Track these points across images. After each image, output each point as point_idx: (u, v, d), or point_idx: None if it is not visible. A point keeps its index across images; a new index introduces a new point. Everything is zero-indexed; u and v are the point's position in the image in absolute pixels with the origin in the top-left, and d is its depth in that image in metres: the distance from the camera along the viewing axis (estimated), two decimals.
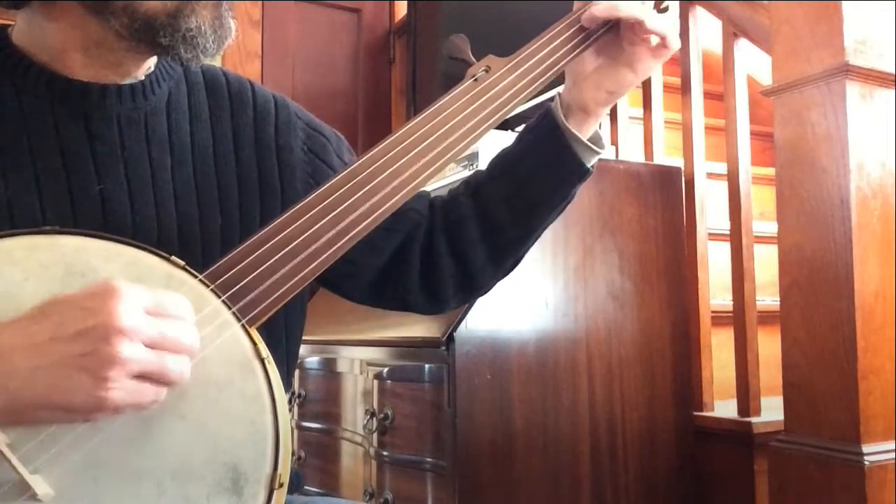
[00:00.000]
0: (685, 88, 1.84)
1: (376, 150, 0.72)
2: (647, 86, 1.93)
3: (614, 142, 1.93)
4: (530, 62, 0.78)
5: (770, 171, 1.86)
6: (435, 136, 0.73)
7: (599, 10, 0.77)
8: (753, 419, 1.61)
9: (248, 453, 0.58)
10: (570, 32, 0.79)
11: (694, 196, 1.78)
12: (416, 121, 0.73)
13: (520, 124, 1.62)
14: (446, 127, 0.74)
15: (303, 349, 1.89)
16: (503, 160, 0.86)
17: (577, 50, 0.79)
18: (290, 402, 1.89)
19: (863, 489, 1.25)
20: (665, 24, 0.78)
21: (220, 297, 0.61)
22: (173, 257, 0.61)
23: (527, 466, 1.47)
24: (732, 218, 1.70)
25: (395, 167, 0.71)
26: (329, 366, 1.84)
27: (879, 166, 1.34)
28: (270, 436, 0.59)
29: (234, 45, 2.45)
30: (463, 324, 1.42)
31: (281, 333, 0.80)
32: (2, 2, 0.71)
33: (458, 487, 1.39)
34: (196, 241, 0.74)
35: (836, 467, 1.29)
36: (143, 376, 0.54)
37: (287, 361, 0.81)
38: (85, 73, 0.71)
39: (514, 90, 0.77)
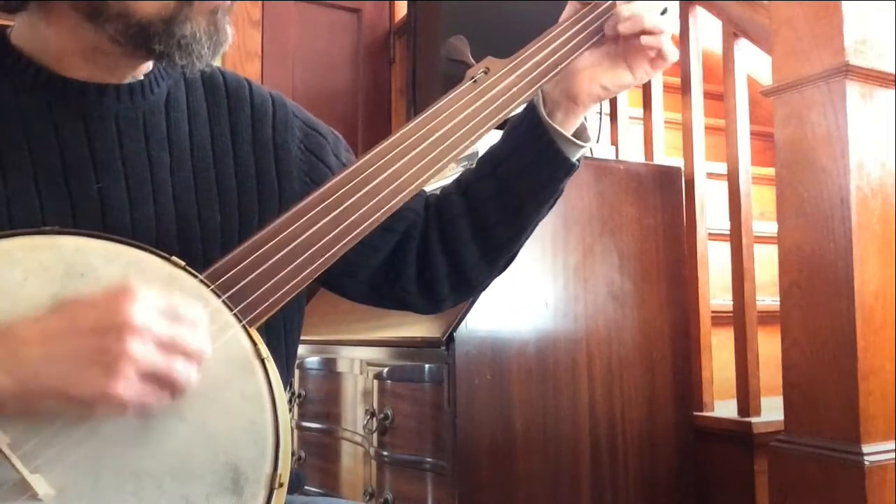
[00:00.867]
0: (685, 88, 1.84)
1: (376, 151, 0.72)
2: (647, 86, 1.93)
3: (614, 142, 1.93)
4: (529, 64, 0.78)
5: (770, 171, 1.86)
6: (434, 137, 0.73)
7: (625, 27, 0.78)
8: (753, 419, 1.61)
9: (248, 453, 0.58)
10: (568, 34, 0.79)
11: (694, 196, 1.78)
12: (415, 122, 0.74)
13: None
14: (446, 128, 0.74)
15: (303, 349, 1.90)
16: (490, 158, 0.86)
17: (576, 52, 0.79)
18: (289, 402, 1.90)
19: (863, 489, 1.25)
20: (666, 39, 0.78)
21: (220, 297, 0.61)
22: (174, 257, 0.61)
23: (527, 466, 1.47)
24: (732, 218, 1.70)
25: (394, 168, 0.71)
26: (329, 366, 1.84)
27: (879, 166, 1.34)
28: (270, 436, 0.59)
29: (234, 45, 2.45)
30: (463, 324, 1.42)
31: (280, 334, 0.80)
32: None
33: (458, 487, 1.39)
34: (195, 240, 0.74)
35: (836, 467, 1.29)
36: (150, 376, 0.54)
37: (286, 362, 0.82)
38: (83, 73, 0.71)
39: (514, 92, 0.77)
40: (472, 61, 0.80)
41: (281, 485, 0.58)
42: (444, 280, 0.88)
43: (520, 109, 0.80)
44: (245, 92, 0.83)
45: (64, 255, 0.58)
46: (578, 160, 0.83)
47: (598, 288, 1.61)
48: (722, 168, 1.77)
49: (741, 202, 1.68)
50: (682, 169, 1.80)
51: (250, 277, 0.63)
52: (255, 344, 0.61)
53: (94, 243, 0.60)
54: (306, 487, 1.79)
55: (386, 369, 1.58)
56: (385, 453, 1.54)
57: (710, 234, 1.81)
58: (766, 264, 1.87)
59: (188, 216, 0.75)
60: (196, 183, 0.76)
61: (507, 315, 1.49)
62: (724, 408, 1.75)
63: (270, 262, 0.65)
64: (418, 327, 1.49)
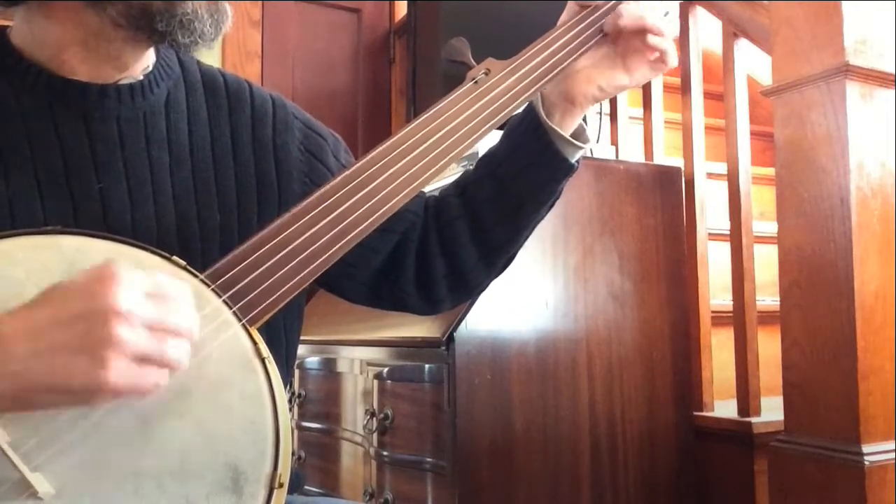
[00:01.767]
0: (685, 88, 1.85)
1: (376, 152, 0.72)
2: (647, 86, 1.93)
3: (614, 142, 1.93)
4: (530, 65, 0.78)
5: (770, 171, 1.86)
6: (434, 138, 0.73)
7: (627, 22, 0.78)
8: (753, 419, 1.61)
9: (248, 453, 0.58)
10: (569, 35, 0.79)
11: (694, 196, 1.78)
12: (415, 123, 0.74)
13: None
14: (446, 129, 0.74)
15: (303, 349, 1.90)
16: (489, 160, 0.86)
17: (577, 53, 0.79)
18: (289, 402, 1.90)
19: (863, 489, 1.25)
20: (668, 42, 0.78)
21: (220, 296, 0.61)
22: (174, 257, 0.61)
23: (527, 466, 1.47)
24: (732, 218, 1.70)
25: (394, 169, 0.71)
26: (329, 366, 1.84)
27: (879, 166, 1.34)
28: (270, 435, 0.59)
29: (234, 45, 2.45)
30: (463, 324, 1.42)
31: (280, 334, 0.80)
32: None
33: (458, 487, 1.39)
34: (195, 240, 0.74)
35: (836, 467, 1.29)
36: (142, 359, 0.53)
37: (286, 362, 0.82)
38: (83, 69, 0.71)
39: (514, 93, 0.77)
40: (473, 63, 0.80)
41: (281, 485, 0.58)
42: (443, 281, 0.88)
43: (520, 110, 0.81)
44: (245, 93, 0.83)
45: (65, 254, 0.58)
46: (577, 161, 0.83)
47: (598, 288, 1.61)
48: (722, 168, 1.78)
49: (741, 202, 1.68)
50: (682, 169, 1.80)
51: (250, 277, 0.63)
52: (255, 343, 0.61)
53: (96, 243, 0.60)
54: (306, 487, 1.79)
55: (386, 369, 1.58)
56: (385, 453, 1.54)
57: (710, 234, 1.81)
58: (766, 264, 1.87)
59: (188, 216, 0.75)
60: (196, 183, 0.76)
61: (507, 315, 1.49)
62: (724, 408, 1.75)
63: (271, 261, 0.65)
64: (418, 327, 1.49)
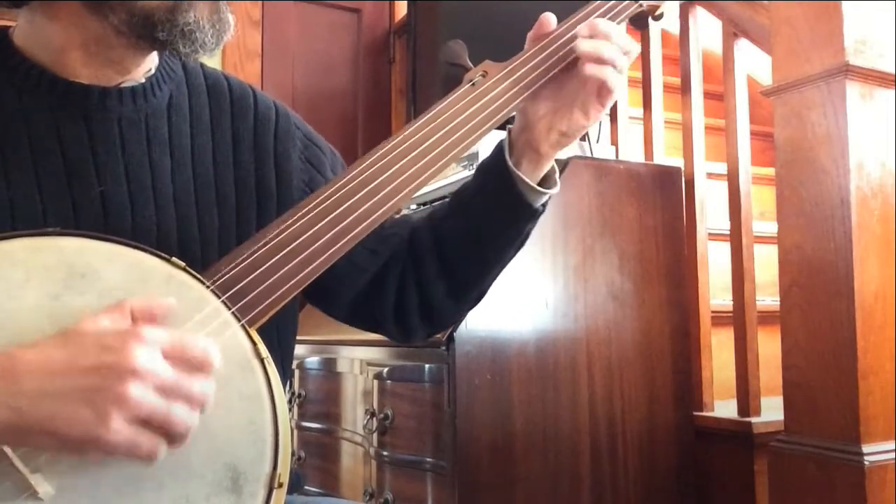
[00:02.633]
0: (685, 88, 1.85)
1: (375, 153, 0.72)
2: (647, 86, 1.93)
3: (614, 142, 1.93)
4: (527, 67, 0.78)
5: (770, 171, 1.86)
6: (432, 139, 0.74)
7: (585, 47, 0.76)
8: (753, 419, 1.61)
9: (248, 453, 0.58)
10: (565, 39, 0.79)
11: (694, 196, 1.78)
12: (414, 125, 0.74)
13: None
14: (443, 131, 0.74)
15: (303, 349, 1.90)
16: (458, 197, 0.86)
17: (574, 54, 0.79)
18: (289, 402, 1.90)
19: (863, 489, 1.25)
20: (604, 69, 0.75)
21: (219, 297, 0.61)
22: (174, 258, 0.61)
23: (527, 466, 1.47)
24: (732, 218, 1.70)
25: (393, 170, 0.71)
26: (329, 366, 1.85)
27: (879, 166, 1.34)
28: (270, 435, 0.59)
29: (234, 45, 2.45)
30: (463, 324, 1.42)
31: (273, 336, 0.80)
32: (2, 1, 0.71)
33: (458, 487, 1.39)
34: (195, 243, 0.74)
35: (836, 467, 1.29)
36: (145, 422, 0.53)
37: (281, 364, 0.82)
38: (85, 72, 0.72)
39: (510, 94, 0.77)
40: (470, 64, 0.80)
41: (280, 485, 0.58)
42: (415, 312, 0.88)
43: (515, 112, 0.80)
44: (249, 99, 0.84)
45: (66, 256, 0.58)
46: (543, 205, 0.82)
47: (598, 288, 1.61)
48: (722, 168, 1.77)
49: (741, 202, 1.68)
50: (682, 169, 1.80)
51: (250, 277, 0.64)
52: (254, 344, 0.61)
53: (96, 244, 0.60)
54: (306, 487, 1.79)
55: (386, 369, 1.58)
56: (385, 453, 1.54)
57: (710, 234, 1.81)
58: (766, 264, 1.87)
59: (188, 219, 0.75)
60: (196, 187, 0.76)
61: (507, 315, 1.49)
62: (724, 408, 1.75)
63: (270, 262, 0.65)
64: None
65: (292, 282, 0.65)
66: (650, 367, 1.65)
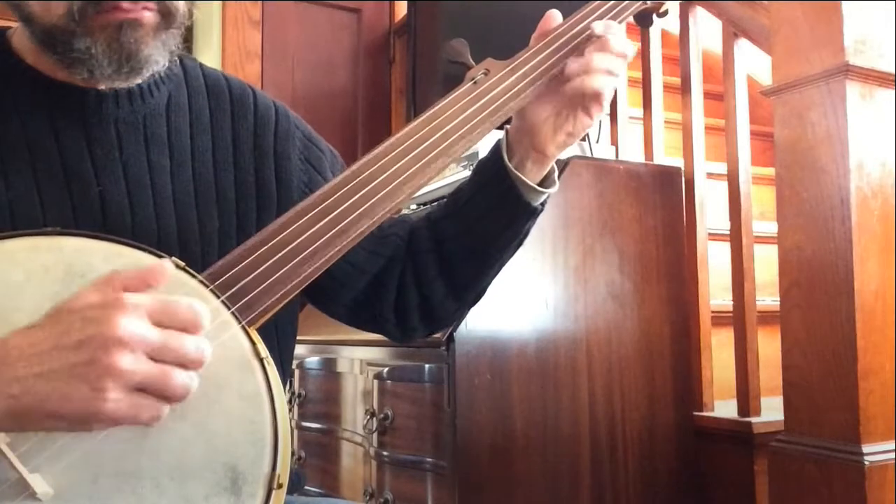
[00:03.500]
0: (685, 88, 1.84)
1: (376, 152, 0.72)
2: (647, 86, 1.93)
3: (614, 142, 1.93)
4: (529, 65, 0.78)
5: (770, 171, 1.86)
6: (434, 138, 0.73)
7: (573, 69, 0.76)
8: (753, 419, 1.61)
9: (247, 453, 0.58)
10: (567, 37, 0.79)
11: (694, 196, 1.78)
12: (415, 123, 0.74)
13: None
14: (445, 129, 0.74)
15: (303, 349, 1.90)
16: (456, 196, 0.86)
17: (576, 52, 0.79)
18: (289, 402, 1.90)
19: (863, 489, 1.25)
20: (587, 80, 0.76)
21: (219, 297, 0.61)
22: (173, 258, 0.61)
23: (527, 466, 1.47)
24: (732, 218, 1.70)
25: (394, 169, 0.71)
26: (329, 366, 1.84)
27: (879, 166, 1.34)
28: (269, 436, 0.59)
29: (234, 45, 2.45)
30: (463, 324, 1.42)
31: (272, 336, 0.80)
32: None
33: (458, 487, 1.39)
34: (195, 243, 0.74)
35: (836, 467, 1.29)
36: (143, 389, 0.53)
37: (281, 365, 0.82)
38: (62, 74, 0.71)
39: (513, 92, 0.77)
40: (472, 63, 0.80)
41: (280, 485, 0.58)
42: (415, 311, 0.88)
43: (518, 110, 0.80)
44: (249, 99, 0.83)
45: (65, 255, 0.58)
46: (542, 204, 0.82)
47: (598, 288, 1.61)
48: (722, 168, 1.77)
49: (741, 202, 1.68)
50: (682, 169, 1.80)
51: (250, 277, 0.63)
52: (253, 344, 0.61)
53: (95, 244, 0.60)
54: (306, 487, 1.79)
55: (386, 369, 1.58)
56: (385, 453, 1.54)
57: (710, 234, 1.81)
58: (766, 264, 1.87)
59: (188, 220, 0.75)
60: (196, 187, 0.76)
61: (507, 315, 1.49)
62: (724, 408, 1.75)
63: (270, 262, 0.65)
64: None
65: (292, 282, 0.65)
66: (650, 367, 1.65)
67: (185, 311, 0.55)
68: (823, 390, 1.33)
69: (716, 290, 1.85)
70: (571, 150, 1.63)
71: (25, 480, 0.54)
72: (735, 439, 1.63)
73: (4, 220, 0.67)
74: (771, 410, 1.61)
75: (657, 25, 1.92)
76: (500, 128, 0.81)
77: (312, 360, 1.90)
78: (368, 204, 0.70)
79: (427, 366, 1.47)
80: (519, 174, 0.79)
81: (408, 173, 0.71)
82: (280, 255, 0.65)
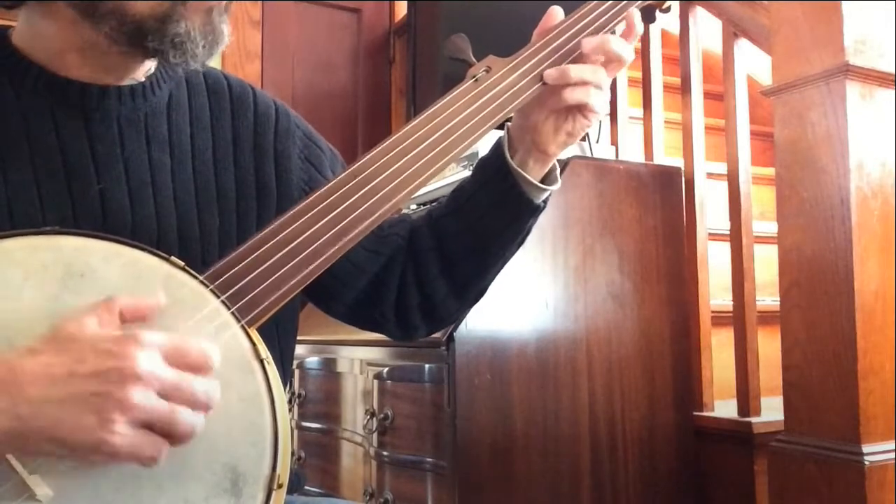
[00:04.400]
0: (685, 88, 1.84)
1: (376, 150, 0.72)
2: (647, 86, 1.93)
3: (614, 142, 1.93)
4: (531, 62, 0.78)
5: (770, 171, 1.86)
6: (435, 136, 0.73)
7: (552, 75, 0.76)
8: (753, 419, 1.61)
9: (247, 454, 0.58)
10: (570, 33, 0.79)
11: (694, 196, 1.78)
12: (416, 121, 0.73)
13: None
14: (447, 127, 0.74)
15: (303, 349, 1.90)
16: (458, 194, 0.86)
17: (575, 52, 0.79)
18: (289, 402, 1.90)
19: (863, 489, 1.25)
20: (581, 92, 0.76)
21: (219, 297, 0.61)
22: (173, 257, 0.61)
23: (527, 466, 1.47)
24: (732, 218, 1.70)
25: (395, 167, 0.71)
26: (329, 366, 1.84)
27: (879, 166, 1.34)
28: (269, 436, 0.59)
29: (234, 45, 2.45)
30: (463, 324, 1.42)
31: (273, 337, 0.79)
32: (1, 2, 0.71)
33: (458, 487, 1.39)
34: (195, 242, 0.74)
35: (836, 467, 1.29)
36: (149, 426, 0.53)
37: (281, 365, 0.81)
38: (84, 72, 0.71)
39: (515, 90, 0.76)
40: (474, 60, 0.79)
41: (280, 486, 0.58)
42: (417, 310, 0.88)
43: (518, 110, 0.80)
44: (249, 98, 0.83)
45: (64, 255, 0.58)
46: (544, 202, 0.82)
47: (598, 288, 1.61)
48: (722, 168, 1.77)
49: (741, 202, 1.68)
50: (682, 169, 1.80)
51: (250, 277, 0.63)
52: (254, 344, 0.61)
53: (94, 243, 0.60)
54: (306, 487, 1.79)
55: (386, 369, 1.58)
56: (385, 453, 1.54)
57: (710, 234, 1.81)
58: (766, 264, 1.87)
59: (188, 218, 0.75)
60: (196, 186, 0.76)
61: (507, 315, 1.49)
62: (724, 408, 1.75)
63: (270, 261, 0.65)
64: None
65: (292, 282, 0.65)
66: (650, 367, 1.65)
67: (196, 352, 0.56)
68: (823, 390, 1.33)
69: (716, 290, 1.85)
70: (571, 150, 1.63)
71: (25, 482, 0.53)
72: (735, 439, 1.63)
73: (4, 218, 0.67)
74: (771, 410, 1.61)
75: (657, 26, 1.92)
76: (500, 126, 0.81)
77: (312, 360, 1.90)
78: (368, 203, 0.69)
79: (427, 366, 1.47)
80: (521, 171, 0.80)
81: (408, 173, 0.71)
82: (280, 255, 0.65)
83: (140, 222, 0.72)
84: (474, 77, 0.77)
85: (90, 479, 0.55)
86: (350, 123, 2.67)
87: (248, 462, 0.58)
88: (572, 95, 0.76)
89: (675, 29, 1.99)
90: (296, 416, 1.93)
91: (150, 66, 0.76)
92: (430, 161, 0.72)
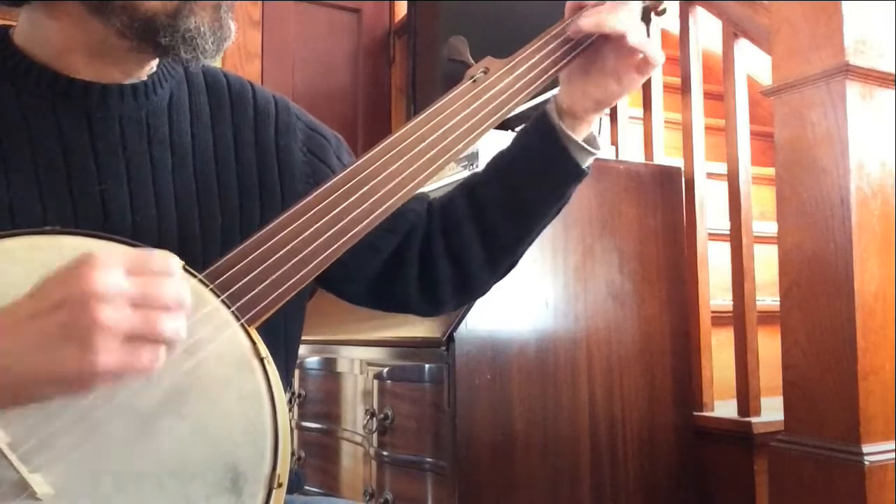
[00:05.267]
0: (685, 88, 1.84)
1: (376, 150, 0.72)
2: (647, 86, 1.93)
3: (614, 142, 1.93)
4: (528, 64, 0.78)
5: (770, 171, 1.86)
6: (434, 136, 0.73)
7: (586, 24, 0.77)
8: (753, 419, 1.61)
9: (248, 453, 0.58)
10: (567, 35, 0.79)
11: (694, 196, 1.78)
12: (415, 121, 0.74)
13: (519, 124, 1.62)
14: (445, 127, 0.74)
15: (303, 349, 1.90)
16: (499, 162, 0.86)
17: (574, 52, 0.79)
18: (289, 402, 1.90)
19: (863, 489, 1.25)
20: (645, 41, 0.77)
21: (219, 296, 0.61)
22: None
23: (527, 466, 1.47)
24: (732, 218, 1.70)
25: (394, 167, 0.71)
26: (329, 366, 1.84)
27: (879, 166, 1.34)
28: (269, 435, 0.59)
29: (234, 45, 2.45)
30: (463, 324, 1.42)
31: (280, 334, 0.80)
32: (3, 1, 0.71)
33: (458, 487, 1.39)
34: (196, 241, 0.74)
35: (836, 467, 1.29)
36: (132, 337, 0.53)
37: (286, 362, 0.82)
38: (87, 70, 0.71)
39: (512, 91, 0.77)
40: (472, 61, 0.80)
41: (280, 485, 0.58)
42: (447, 283, 0.88)
43: (519, 109, 0.80)
44: (248, 94, 0.83)
45: (65, 255, 0.58)
46: (588, 167, 0.84)
47: (598, 288, 1.61)
48: (722, 168, 1.77)
49: (741, 202, 1.68)
50: (682, 169, 1.80)
51: (249, 276, 0.63)
52: (253, 343, 0.61)
53: (95, 243, 0.60)
54: (306, 487, 1.79)
55: (386, 369, 1.58)
56: (385, 453, 1.54)
57: (710, 234, 1.81)
58: (766, 264, 1.87)
59: (190, 218, 0.75)
60: (198, 185, 0.76)
61: (507, 315, 1.49)
62: (724, 408, 1.75)
63: (270, 260, 0.65)
64: (418, 327, 1.49)
65: (292, 280, 0.65)
66: (650, 367, 1.65)
67: (157, 260, 0.55)
68: (823, 390, 1.33)
69: (716, 290, 1.85)
70: None
71: (25, 481, 0.53)
72: (735, 439, 1.63)
73: (5, 218, 0.67)
74: (771, 410, 1.61)
75: (657, 25, 1.92)
76: (502, 127, 0.82)
77: (312, 360, 1.90)
78: (368, 203, 0.70)
79: (427, 366, 1.47)
80: (569, 132, 0.81)
81: (407, 172, 0.72)
82: (280, 253, 0.65)
83: (141, 222, 0.72)
84: (473, 78, 0.77)
85: (91, 477, 0.56)
86: (350, 123, 2.68)
87: (249, 461, 0.58)
88: (612, 23, 0.76)
89: (675, 29, 1.99)
90: (296, 416, 1.93)
91: (152, 64, 0.76)
92: (429, 161, 0.73)
